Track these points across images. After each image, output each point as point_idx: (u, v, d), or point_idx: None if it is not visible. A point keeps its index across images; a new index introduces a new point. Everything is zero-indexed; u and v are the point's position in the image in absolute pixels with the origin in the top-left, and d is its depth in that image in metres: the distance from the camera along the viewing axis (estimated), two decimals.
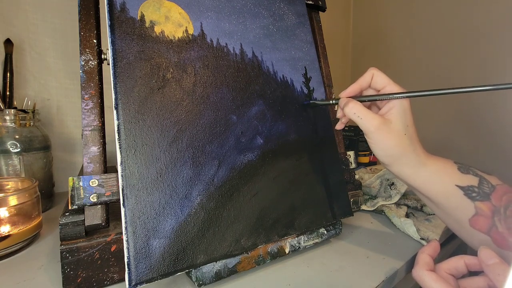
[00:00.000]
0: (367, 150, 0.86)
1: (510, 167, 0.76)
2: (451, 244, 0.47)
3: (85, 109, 0.29)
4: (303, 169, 0.37)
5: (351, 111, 0.31)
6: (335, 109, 0.47)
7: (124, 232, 0.25)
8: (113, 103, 0.27)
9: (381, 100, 0.32)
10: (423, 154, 0.32)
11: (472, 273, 0.27)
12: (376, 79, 0.33)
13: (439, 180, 0.31)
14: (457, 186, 0.31)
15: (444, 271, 0.27)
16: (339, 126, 0.38)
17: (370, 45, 1.16)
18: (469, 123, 0.87)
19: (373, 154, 0.32)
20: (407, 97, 0.31)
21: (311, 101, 0.40)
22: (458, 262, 0.27)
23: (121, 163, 0.26)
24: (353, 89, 0.34)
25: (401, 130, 0.30)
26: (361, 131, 0.32)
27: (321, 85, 0.43)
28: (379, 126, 0.30)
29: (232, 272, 0.30)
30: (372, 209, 0.51)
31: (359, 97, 0.33)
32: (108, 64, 0.29)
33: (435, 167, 0.32)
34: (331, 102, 0.37)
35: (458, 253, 0.29)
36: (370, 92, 0.34)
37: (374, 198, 0.54)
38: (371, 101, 0.34)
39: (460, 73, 0.88)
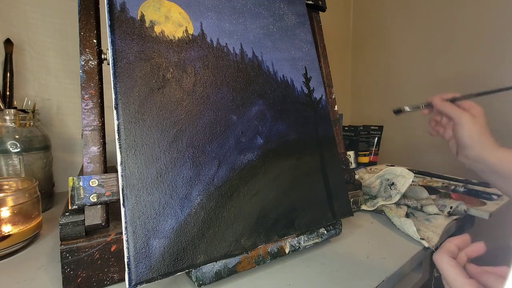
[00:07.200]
0: (367, 150, 0.86)
1: None
2: None
3: (85, 109, 0.29)
4: (303, 169, 0.37)
5: (445, 109, 0.41)
6: (336, 110, 0.47)
7: (124, 232, 0.25)
8: (113, 103, 0.27)
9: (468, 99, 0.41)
10: (494, 140, 0.40)
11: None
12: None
13: None
14: None
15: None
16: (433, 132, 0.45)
17: (370, 45, 1.15)
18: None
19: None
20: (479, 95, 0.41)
21: (401, 110, 0.44)
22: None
23: (121, 163, 0.26)
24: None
25: (483, 122, 0.39)
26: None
27: (321, 85, 0.43)
28: (469, 118, 0.39)
29: (232, 272, 0.30)
30: (372, 209, 0.51)
31: (451, 98, 0.41)
32: (108, 64, 0.29)
33: (508, 149, 0.38)
34: (421, 106, 0.42)
35: None
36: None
37: (374, 198, 0.54)
38: (463, 99, 0.41)
39: (461, 72, 0.88)
